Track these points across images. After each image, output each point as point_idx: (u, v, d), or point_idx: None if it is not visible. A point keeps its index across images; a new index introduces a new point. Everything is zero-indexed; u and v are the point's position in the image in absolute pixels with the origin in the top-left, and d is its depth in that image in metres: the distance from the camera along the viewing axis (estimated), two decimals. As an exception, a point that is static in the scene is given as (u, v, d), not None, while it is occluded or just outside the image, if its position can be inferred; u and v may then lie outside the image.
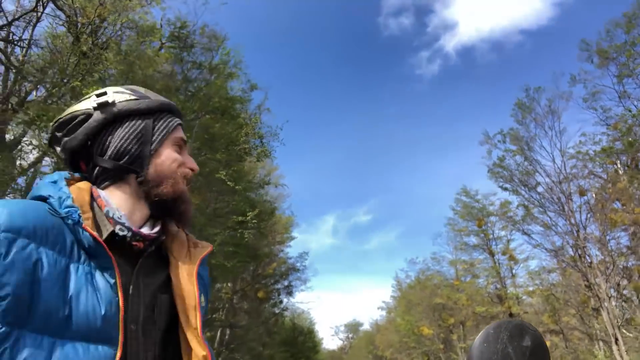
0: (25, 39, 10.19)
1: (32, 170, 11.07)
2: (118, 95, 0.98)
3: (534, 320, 23.25)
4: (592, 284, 17.30)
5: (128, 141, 0.96)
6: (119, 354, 0.76)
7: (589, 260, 17.86)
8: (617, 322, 16.11)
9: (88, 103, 0.96)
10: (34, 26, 10.08)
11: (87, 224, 0.82)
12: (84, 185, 0.93)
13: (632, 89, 16.41)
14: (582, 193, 19.20)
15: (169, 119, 1.03)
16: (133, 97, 0.99)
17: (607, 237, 17.90)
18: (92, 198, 0.91)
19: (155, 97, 1.03)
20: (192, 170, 1.03)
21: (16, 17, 9.70)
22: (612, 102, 17.49)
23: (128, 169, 0.95)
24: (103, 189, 0.95)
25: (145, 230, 0.94)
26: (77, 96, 9.47)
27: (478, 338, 0.63)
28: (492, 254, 25.92)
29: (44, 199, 0.86)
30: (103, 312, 0.77)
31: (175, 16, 14.33)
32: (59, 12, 10.20)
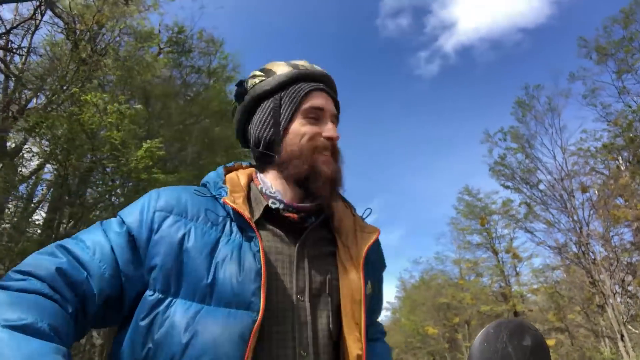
0: (24, 47, 10.24)
1: (33, 177, 11.09)
2: (251, 80, 1.01)
3: (539, 318, 23.14)
4: (596, 281, 17.21)
5: (261, 126, 0.98)
6: (258, 320, 0.77)
7: (593, 257, 17.77)
8: (623, 318, 16.01)
9: (233, 96, 1.04)
10: (33, 34, 10.16)
11: (237, 201, 0.88)
12: (247, 170, 1.03)
13: (631, 85, 16.41)
14: (584, 190, 19.13)
15: (298, 89, 0.98)
16: (262, 78, 1.00)
17: (611, 234, 17.84)
18: (252, 180, 1.00)
19: (284, 69, 1.00)
20: (329, 139, 0.96)
21: (15, 25, 9.77)
22: (611, 99, 17.47)
23: (268, 154, 0.97)
24: (263, 172, 1.01)
25: (307, 203, 0.94)
26: (77, 103, 9.46)
27: (478, 337, 0.63)
28: (495, 253, 25.82)
29: (205, 184, 0.95)
30: (241, 279, 0.80)
31: (172, 21, 14.46)
32: (57, 20, 10.27)
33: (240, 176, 0.99)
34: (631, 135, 17.04)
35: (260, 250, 0.82)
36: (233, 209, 0.86)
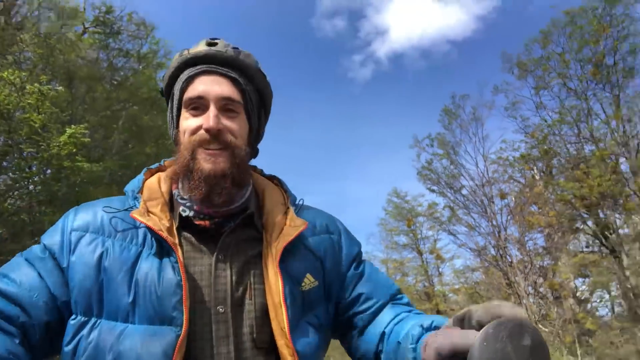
0: None
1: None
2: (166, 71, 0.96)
3: (459, 318, 24.25)
4: (512, 282, 18.42)
5: (169, 123, 0.96)
6: (182, 335, 0.75)
7: (510, 260, 19.00)
8: (535, 317, 17.26)
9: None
10: None
11: (154, 209, 0.84)
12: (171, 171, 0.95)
13: (547, 101, 17.63)
14: (502, 196, 20.42)
15: (179, 81, 0.91)
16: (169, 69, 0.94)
17: (526, 238, 19.19)
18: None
19: (174, 59, 0.92)
20: (207, 130, 0.86)
21: None
22: (530, 112, 18.74)
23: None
24: None
25: (224, 207, 0.89)
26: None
27: (477, 337, 0.61)
28: (420, 253, 26.85)
29: (126, 192, 0.91)
30: (160, 294, 0.77)
31: (100, 0, 13.23)
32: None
33: (163, 180, 0.94)
34: (546, 147, 18.41)
35: (179, 262, 0.79)
36: (141, 222, 0.82)
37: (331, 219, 1.05)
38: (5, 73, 8.58)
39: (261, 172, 1.05)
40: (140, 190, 0.90)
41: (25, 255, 0.85)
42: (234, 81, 0.90)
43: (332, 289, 0.96)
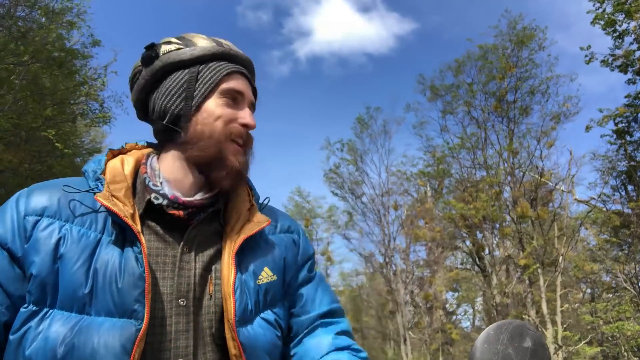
0: None
1: None
2: (165, 46, 0.91)
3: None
4: (393, 290, 19.39)
5: (170, 97, 0.89)
6: (142, 329, 0.73)
7: (394, 268, 20.01)
8: (407, 324, 18.33)
9: (140, 59, 0.92)
10: None
11: (117, 194, 0.81)
12: (135, 154, 0.93)
13: (451, 125, 18.86)
14: (395, 207, 21.49)
15: (219, 67, 0.90)
16: (178, 46, 0.90)
17: (410, 249, 20.36)
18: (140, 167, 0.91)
19: (205, 43, 0.91)
20: (245, 126, 0.89)
21: None
22: (434, 133, 20.01)
23: (172, 129, 0.88)
24: (161, 153, 0.92)
25: (197, 197, 0.87)
26: None
27: (478, 339, 0.62)
28: (311, 254, 27.20)
29: (84, 173, 0.86)
30: (121, 285, 0.75)
31: None
32: None
33: (127, 162, 0.90)
34: (442, 167, 19.71)
35: (143, 253, 0.76)
36: (107, 208, 0.78)
37: (293, 221, 1.07)
38: None
39: None
40: (103, 172, 0.85)
41: None
42: (253, 90, 0.96)
43: (289, 287, 0.96)
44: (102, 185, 0.81)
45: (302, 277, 0.98)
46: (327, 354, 0.90)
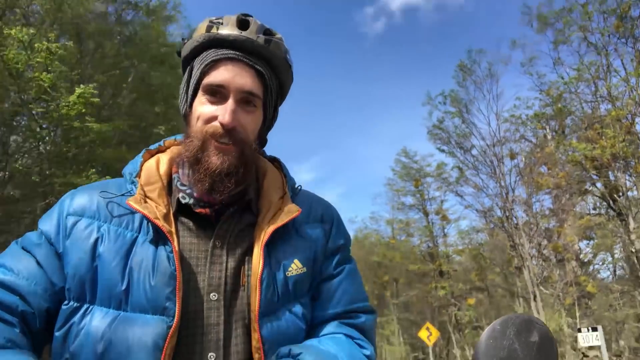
0: None
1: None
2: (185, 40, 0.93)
3: (462, 278, 24.47)
4: (516, 244, 18.18)
5: (180, 99, 0.92)
6: (174, 326, 0.75)
7: (515, 222, 18.69)
8: (537, 280, 17.12)
9: None
10: None
11: (151, 195, 0.84)
12: (172, 151, 0.94)
13: (565, 57, 16.74)
14: (512, 156, 19.84)
15: (202, 60, 0.87)
16: (186, 41, 0.90)
17: (533, 200, 18.77)
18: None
19: (200, 31, 0.87)
20: (221, 124, 0.84)
21: None
22: (547, 69, 17.98)
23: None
24: None
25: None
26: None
27: (484, 334, 0.62)
28: (426, 214, 26.68)
29: (124, 174, 0.91)
30: (154, 283, 0.77)
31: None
32: None
33: (162, 161, 0.92)
34: (560, 106, 17.63)
35: (174, 251, 0.79)
36: (137, 211, 0.81)
37: (327, 207, 1.03)
38: (14, 30, 8.36)
39: (263, 154, 1.03)
40: (138, 174, 0.88)
41: (22, 242, 0.85)
42: (258, 73, 0.88)
43: (314, 279, 0.94)
44: (135, 188, 0.85)
45: (326, 272, 0.96)
46: (326, 335, 0.90)
